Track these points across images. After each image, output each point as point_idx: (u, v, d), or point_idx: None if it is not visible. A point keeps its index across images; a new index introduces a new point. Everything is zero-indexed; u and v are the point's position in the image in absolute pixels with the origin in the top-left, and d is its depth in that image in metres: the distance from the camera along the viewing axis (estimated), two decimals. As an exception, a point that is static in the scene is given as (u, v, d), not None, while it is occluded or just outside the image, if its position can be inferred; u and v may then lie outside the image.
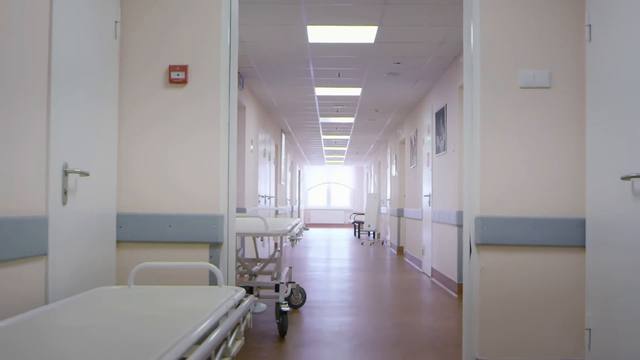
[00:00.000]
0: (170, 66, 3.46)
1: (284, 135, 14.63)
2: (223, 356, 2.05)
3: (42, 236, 2.57)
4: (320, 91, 9.18)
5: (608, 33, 3.20)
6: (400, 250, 12.75)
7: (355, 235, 19.77)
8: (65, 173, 2.77)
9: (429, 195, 8.86)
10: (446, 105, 7.66)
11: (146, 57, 3.48)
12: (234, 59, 3.58)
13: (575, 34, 3.52)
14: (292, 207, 19.04)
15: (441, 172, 8.00)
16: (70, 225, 2.84)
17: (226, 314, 2.30)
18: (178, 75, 3.45)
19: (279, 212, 14.25)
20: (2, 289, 2.30)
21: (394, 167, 13.63)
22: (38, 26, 2.55)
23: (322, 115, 11.68)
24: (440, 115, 7.99)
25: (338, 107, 10.66)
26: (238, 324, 2.36)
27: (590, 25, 3.43)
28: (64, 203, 2.77)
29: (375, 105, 10.45)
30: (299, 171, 23.64)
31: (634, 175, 2.82)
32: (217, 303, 2.36)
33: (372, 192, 19.42)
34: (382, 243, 16.10)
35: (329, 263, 10.81)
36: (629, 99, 2.96)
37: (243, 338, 2.41)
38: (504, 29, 3.53)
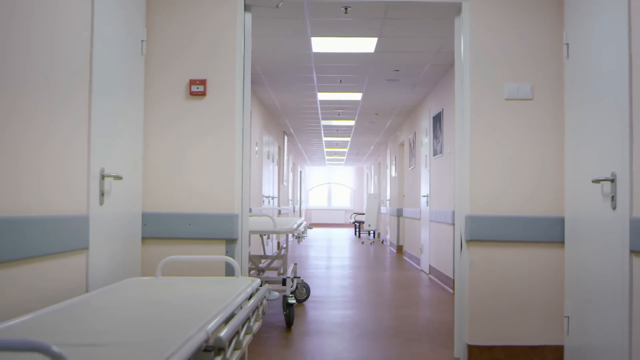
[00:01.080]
0: (190, 80, 3.84)
1: (286, 137, 15.00)
2: (246, 333, 2.43)
3: (84, 232, 2.95)
4: (322, 96, 9.56)
5: (582, 51, 3.58)
6: (399, 249, 13.13)
7: (355, 234, 20.15)
8: (102, 177, 3.15)
9: (427, 196, 9.24)
10: (443, 110, 8.04)
11: (169, 72, 3.86)
12: (247, 73, 3.96)
13: (555, 51, 3.90)
14: (294, 207, 19.42)
15: (438, 174, 8.38)
16: (105, 223, 3.22)
17: (248, 299, 2.68)
18: (198, 88, 3.83)
19: (282, 212, 14.62)
20: (51, 277, 2.68)
21: (393, 168, 14.00)
22: (82, 47, 2.93)
23: (323, 118, 12.06)
24: (438, 120, 8.37)
25: (339, 110, 11.04)
26: (257, 307, 2.74)
27: (567, 44, 3.81)
28: (101, 203, 3.15)
29: (375, 109, 10.82)
30: (300, 172, 24.01)
31: (603, 179, 3.20)
32: (239, 290, 2.74)
33: (372, 192, 19.80)
34: (382, 242, 16.48)
35: (330, 261, 11.18)
36: (598, 112, 3.34)
37: (261, 320, 2.78)
38: (490, 47, 3.91)
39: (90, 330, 1.91)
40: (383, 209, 16.79)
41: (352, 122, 12.58)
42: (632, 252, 2.98)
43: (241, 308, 2.51)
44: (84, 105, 2.95)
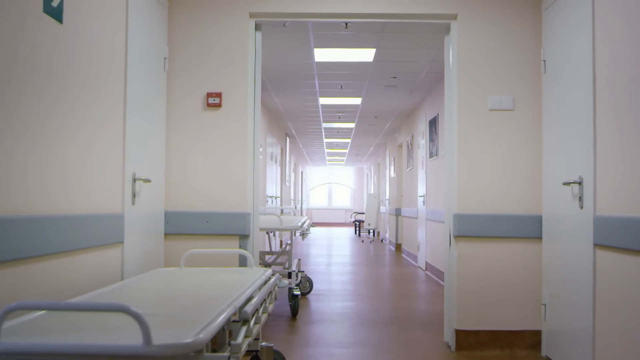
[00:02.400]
0: (207, 93, 4.30)
1: (288, 139, 15.46)
2: (263, 312, 2.88)
3: (120, 228, 3.40)
4: (323, 100, 10.01)
5: (557, 68, 4.04)
6: (398, 247, 13.58)
7: (355, 233, 20.61)
8: (134, 180, 3.60)
9: (424, 196, 9.70)
10: (438, 114, 8.49)
11: (188, 86, 4.31)
12: (258, 86, 4.41)
13: (534, 67, 4.36)
14: (296, 207, 19.87)
15: (434, 175, 8.83)
16: (136, 221, 3.67)
17: (262, 284, 3.13)
18: (214, 100, 4.29)
19: (284, 211, 15.08)
20: (95, 266, 3.13)
21: (392, 168, 14.46)
22: (119, 67, 3.38)
23: (325, 121, 12.51)
24: (433, 123, 8.82)
25: (340, 114, 11.50)
26: (271, 292, 3.19)
27: (545, 60, 4.26)
28: (133, 203, 3.61)
29: (375, 112, 11.28)
30: (302, 172, 24.46)
31: (572, 181, 3.66)
32: (255, 277, 3.19)
33: (372, 192, 20.25)
34: (382, 241, 16.93)
35: (331, 259, 11.64)
36: (569, 122, 3.80)
37: (274, 302, 3.24)
38: (476, 63, 4.36)
39: (142, 306, 2.37)
40: (382, 209, 17.25)
41: (352, 125, 13.03)
42: (596, 245, 3.43)
43: (259, 291, 2.96)
44: (120, 117, 3.40)
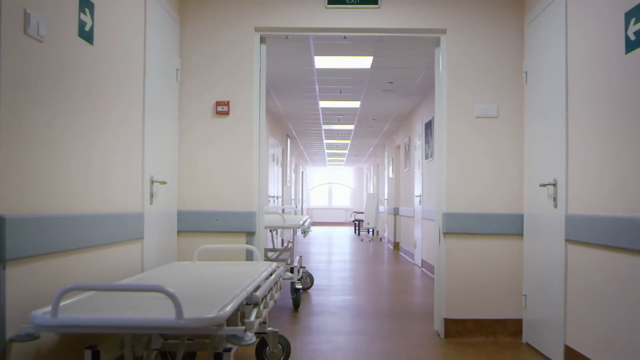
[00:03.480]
0: (216, 102, 4.68)
1: (289, 140, 15.84)
2: (270, 298, 3.27)
3: (140, 226, 3.79)
4: (323, 104, 10.40)
5: (537, 79, 4.43)
6: (396, 245, 13.97)
7: (355, 232, 21.00)
8: (152, 182, 3.99)
9: (420, 196, 10.09)
10: (433, 117, 8.86)
11: (198, 95, 4.70)
12: (263, 95, 4.80)
13: (517, 78, 4.74)
14: (296, 206, 20.26)
15: (429, 175, 9.22)
16: (154, 219, 4.06)
17: (270, 274, 3.52)
18: (222, 108, 4.67)
19: (286, 210, 15.46)
20: (119, 259, 3.51)
21: (390, 169, 14.85)
22: (137, 80, 3.76)
23: (325, 123, 12.90)
24: (429, 126, 9.21)
25: (339, 116, 11.88)
26: (277, 282, 3.58)
27: (526, 72, 4.65)
28: (151, 203, 3.99)
29: (373, 115, 11.67)
30: (302, 172, 24.84)
31: (547, 183, 4.04)
32: (262, 269, 3.58)
33: (371, 192, 20.64)
34: (381, 240, 17.32)
35: (331, 257, 12.03)
36: (546, 129, 4.19)
37: (279, 291, 3.62)
38: (464, 74, 4.75)
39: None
40: (381, 208, 17.63)
41: (351, 127, 13.42)
42: (567, 240, 3.82)
43: (266, 281, 3.35)
44: (139, 125, 3.79)
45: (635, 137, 3.01)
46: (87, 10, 2.95)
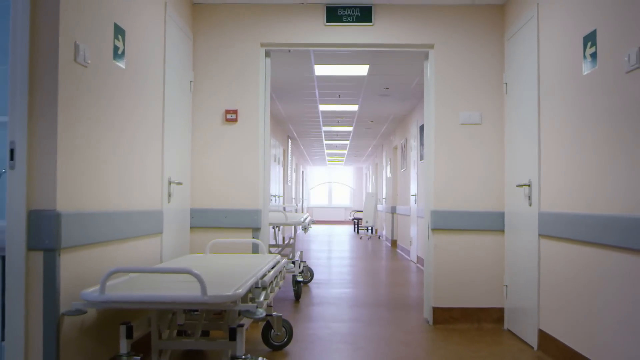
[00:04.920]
0: (226, 110, 5.16)
1: (290, 141, 16.32)
2: (275, 285, 3.75)
3: (159, 222, 4.27)
4: (323, 107, 10.88)
5: (515, 90, 4.91)
6: (394, 243, 14.46)
7: (354, 231, 21.49)
8: (169, 183, 4.47)
9: (415, 195, 10.57)
10: (427, 121, 9.35)
11: (210, 104, 5.18)
12: (267, 104, 5.27)
13: (498, 88, 5.22)
14: (297, 205, 20.74)
15: (424, 176, 9.68)
16: (171, 216, 4.54)
17: (275, 264, 4.00)
18: (231, 116, 5.15)
19: (287, 209, 15.93)
20: (142, 250, 3.99)
21: (388, 169, 15.33)
22: (158, 92, 4.24)
23: (324, 125, 13.38)
24: (423, 129, 9.68)
25: (338, 119, 12.37)
26: (281, 271, 4.06)
27: (506, 83, 5.13)
28: (169, 202, 4.48)
29: (371, 117, 12.15)
30: (303, 172, 25.31)
31: (523, 184, 4.52)
32: (268, 260, 4.06)
33: (370, 191, 21.11)
34: (379, 237, 17.81)
35: (331, 254, 12.52)
36: (522, 135, 4.67)
37: (284, 279, 4.10)
38: (450, 84, 5.23)
39: (186, 278, 3.24)
40: (380, 207, 18.11)
41: (350, 128, 13.90)
42: (540, 235, 4.30)
43: (272, 269, 3.83)
44: (159, 132, 4.27)
45: (594, 145, 3.49)
46: (119, 37, 3.43)
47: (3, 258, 2.80)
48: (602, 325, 3.36)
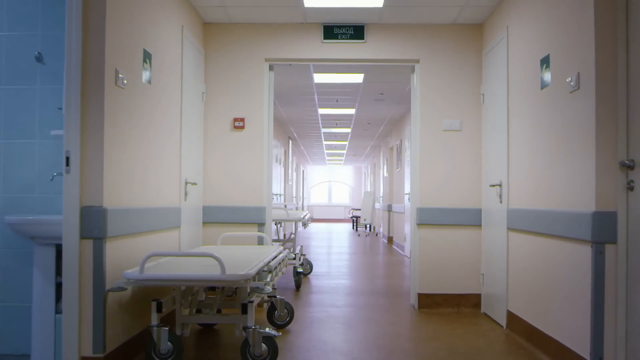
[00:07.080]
0: (234, 118, 5.81)
1: (290, 142, 16.96)
2: (279, 271, 4.40)
3: (178, 217, 4.91)
4: (322, 111, 11.53)
5: (490, 100, 5.55)
6: (390, 239, 15.10)
7: (353, 228, 22.13)
8: (186, 183, 5.11)
9: (409, 193, 11.21)
10: (419, 124, 9.98)
11: (220, 113, 5.82)
12: (271, 113, 5.92)
13: (476, 98, 5.86)
14: (297, 204, 21.38)
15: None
16: (187, 213, 5.18)
17: (279, 254, 4.64)
18: (239, 123, 5.79)
19: (287, 207, 16.57)
20: (164, 241, 4.63)
21: (385, 168, 15.96)
22: (176, 104, 4.88)
23: (323, 127, 14.02)
24: (416, 132, 10.31)
25: (337, 121, 13.01)
26: (284, 259, 4.70)
27: (483, 94, 5.77)
28: (185, 200, 5.12)
29: (368, 119, 12.79)
30: (303, 171, 25.94)
31: (495, 184, 5.17)
32: (272, 250, 4.70)
33: (368, 190, 21.75)
34: (377, 235, 18.45)
35: (330, 249, 13.17)
36: (495, 141, 5.31)
37: (286, 267, 4.75)
38: (434, 94, 5.87)
39: (205, 263, 3.88)
40: (377, 205, 18.75)
41: (348, 130, 14.54)
42: (509, 229, 4.94)
43: (276, 257, 4.47)
44: (178, 138, 4.92)
45: (545, 151, 4.13)
46: (147, 60, 4.07)
47: (60, 245, 3.46)
48: (553, 304, 4.00)
